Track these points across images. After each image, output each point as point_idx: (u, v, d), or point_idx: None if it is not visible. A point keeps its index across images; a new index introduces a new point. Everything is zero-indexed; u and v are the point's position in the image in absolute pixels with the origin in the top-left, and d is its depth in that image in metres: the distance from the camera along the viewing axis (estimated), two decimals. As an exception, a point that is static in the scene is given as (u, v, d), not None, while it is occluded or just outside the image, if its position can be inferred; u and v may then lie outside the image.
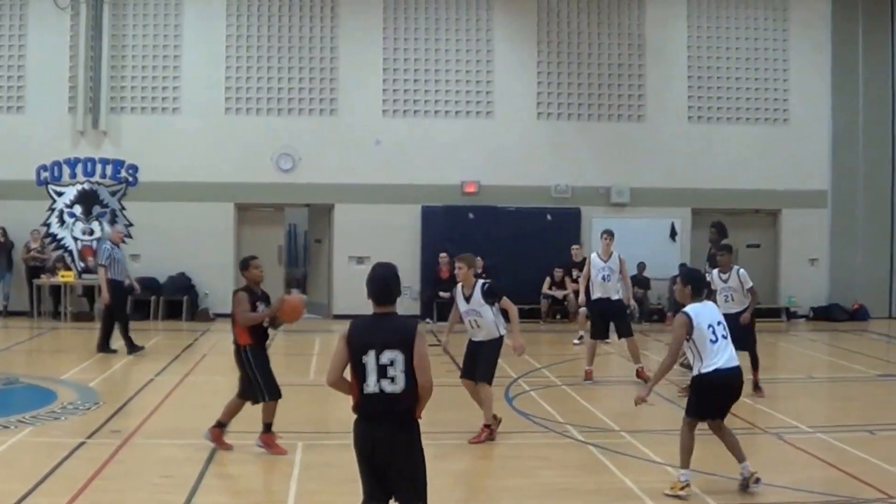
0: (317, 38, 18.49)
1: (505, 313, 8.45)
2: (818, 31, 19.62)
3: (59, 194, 18.11)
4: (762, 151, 19.27)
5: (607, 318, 11.75)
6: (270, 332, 8.10)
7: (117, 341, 13.44)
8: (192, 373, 12.25)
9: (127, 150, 18.17)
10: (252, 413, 8.04)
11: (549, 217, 18.63)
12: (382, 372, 4.55)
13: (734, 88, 19.37)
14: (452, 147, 18.50)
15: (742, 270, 10.64)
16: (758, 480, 6.70)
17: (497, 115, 18.75)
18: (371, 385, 4.58)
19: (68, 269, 17.62)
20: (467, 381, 8.52)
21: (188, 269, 18.08)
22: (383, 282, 4.73)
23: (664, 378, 7.31)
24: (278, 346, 14.56)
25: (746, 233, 19.47)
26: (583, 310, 13.50)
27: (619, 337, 12.01)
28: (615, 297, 11.76)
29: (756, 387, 10.45)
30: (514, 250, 18.15)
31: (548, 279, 18.39)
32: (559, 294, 18.39)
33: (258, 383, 7.76)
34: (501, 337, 8.44)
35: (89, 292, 17.58)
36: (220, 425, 7.84)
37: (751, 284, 10.64)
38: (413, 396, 4.60)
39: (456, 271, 8.58)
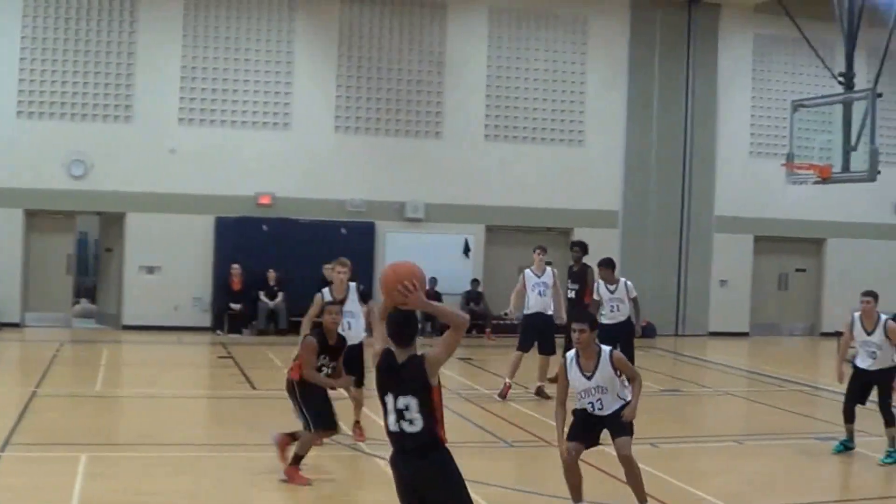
0: (114, 43, 23.18)
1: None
2: (616, 56, 25.67)
3: None
4: (557, 171, 25.19)
5: (538, 332, 15.14)
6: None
7: None
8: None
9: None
10: (45, 424, 11.89)
11: (343, 231, 23.94)
12: (400, 415, 6.03)
13: (531, 109, 25.20)
14: (248, 158, 23.62)
15: (629, 282, 15.04)
16: None
17: (295, 127, 23.96)
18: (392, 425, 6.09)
19: None
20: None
21: (-28, 275, 22.47)
22: (399, 325, 6.08)
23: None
24: (66, 357, 19.25)
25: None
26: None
27: (540, 352, 15.26)
28: (549, 311, 15.23)
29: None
30: (307, 263, 22.93)
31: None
32: (352, 307, 23.67)
33: (305, 415, 9.89)
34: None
35: None
36: (297, 459, 9.80)
37: (636, 294, 14.99)
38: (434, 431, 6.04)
39: (341, 275, 11.63)
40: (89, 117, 23.13)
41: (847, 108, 20.44)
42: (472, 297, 24.42)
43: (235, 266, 22.85)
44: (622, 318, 14.88)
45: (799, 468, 11.72)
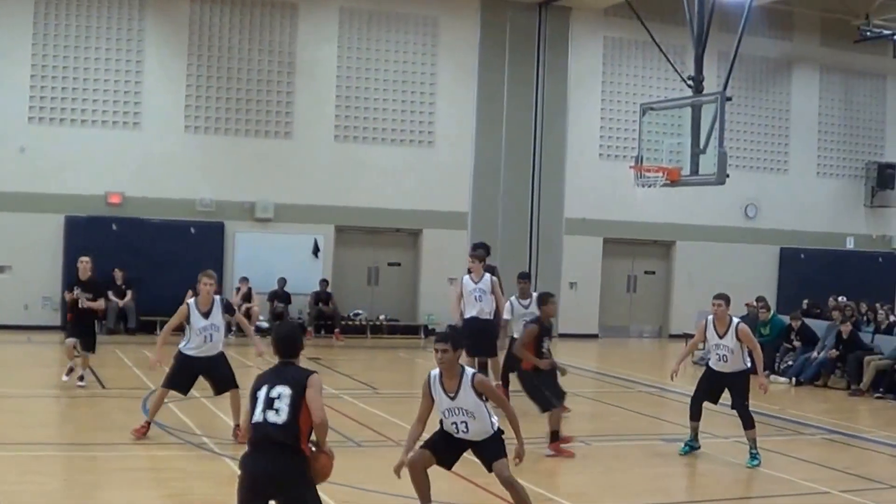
0: (-39, 40, 29.42)
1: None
2: (467, 58, 33.42)
3: None
4: (407, 172, 32.72)
5: (472, 336, 18.02)
6: None
7: None
8: None
9: None
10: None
11: (192, 230, 30.86)
12: (269, 404, 7.98)
13: (382, 109, 32.70)
14: (98, 157, 30.29)
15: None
16: None
17: (144, 126, 30.78)
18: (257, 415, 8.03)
19: None
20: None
21: None
22: (289, 339, 8.51)
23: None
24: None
25: (389, 252, 32.66)
26: None
27: (473, 355, 18.66)
28: (485, 316, 18.91)
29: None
30: (158, 262, 29.95)
31: (190, 291, 30.19)
32: (201, 306, 30.37)
33: (544, 395, 14.61)
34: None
35: None
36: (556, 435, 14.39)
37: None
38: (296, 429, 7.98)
39: (208, 287, 14.80)
40: (-64, 115, 29.41)
41: (696, 111, 25.35)
42: (322, 298, 31.49)
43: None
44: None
45: (644, 469, 14.57)
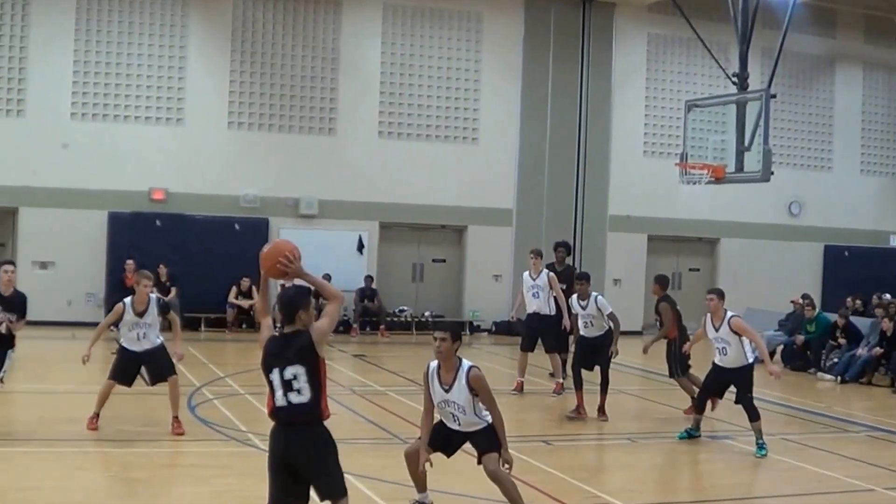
0: (5, 37, 29.06)
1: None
2: (510, 54, 32.69)
3: None
4: (451, 169, 32.00)
5: (535, 332, 19.67)
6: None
7: None
8: None
9: None
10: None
11: (237, 226, 30.21)
12: (288, 386, 8.15)
13: (426, 106, 32.00)
14: (142, 153, 29.76)
15: (601, 297, 17.39)
16: None
17: (188, 122, 30.16)
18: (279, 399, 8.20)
19: None
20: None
21: None
22: (288, 303, 8.30)
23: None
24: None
25: (434, 248, 31.94)
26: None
27: (546, 351, 20.00)
28: (545, 312, 19.67)
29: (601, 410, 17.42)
30: (201, 259, 29.44)
31: (234, 288, 29.69)
32: (245, 304, 29.68)
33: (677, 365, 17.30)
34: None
35: None
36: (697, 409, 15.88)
37: (610, 310, 17.32)
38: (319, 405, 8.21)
39: (146, 288, 14.65)
40: (-20, 111, 28.92)
41: (741, 108, 25.27)
42: (366, 294, 30.86)
43: (129, 262, 28.65)
44: (596, 334, 17.54)
45: (689, 465, 14.72)
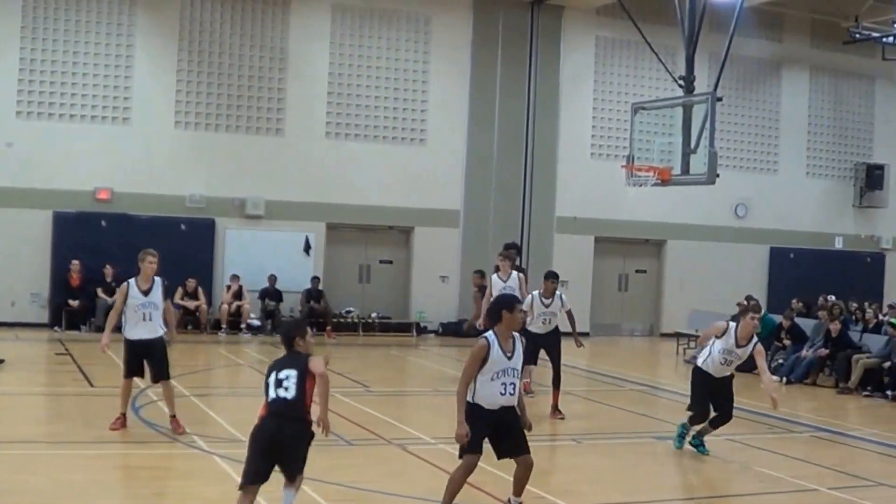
0: (-51, 34, 28.35)
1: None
2: (459, 56, 32.38)
3: None
4: (399, 170, 31.64)
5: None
6: None
7: None
8: None
9: None
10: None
11: (182, 227, 29.74)
12: (279, 384, 9.44)
13: (374, 107, 31.63)
14: (87, 152, 29.22)
15: (564, 295, 17.95)
16: None
17: (134, 121, 29.69)
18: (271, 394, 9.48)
19: None
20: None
21: None
22: (283, 335, 10.00)
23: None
24: None
25: (381, 249, 31.58)
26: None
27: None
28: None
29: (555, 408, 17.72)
30: (146, 259, 28.74)
31: (180, 289, 29.18)
32: (191, 304, 29.22)
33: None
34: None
35: None
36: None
37: (569, 307, 18.13)
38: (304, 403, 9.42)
39: (151, 265, 14.43)
40: (-78, 109, 28.31)
41: (687, 111, 25.23)
42: (313, 296, 30.48)
43: (75, 262, 28.24)
44: (549, 330, 18.05)
45: (634, 467, 14.58)
